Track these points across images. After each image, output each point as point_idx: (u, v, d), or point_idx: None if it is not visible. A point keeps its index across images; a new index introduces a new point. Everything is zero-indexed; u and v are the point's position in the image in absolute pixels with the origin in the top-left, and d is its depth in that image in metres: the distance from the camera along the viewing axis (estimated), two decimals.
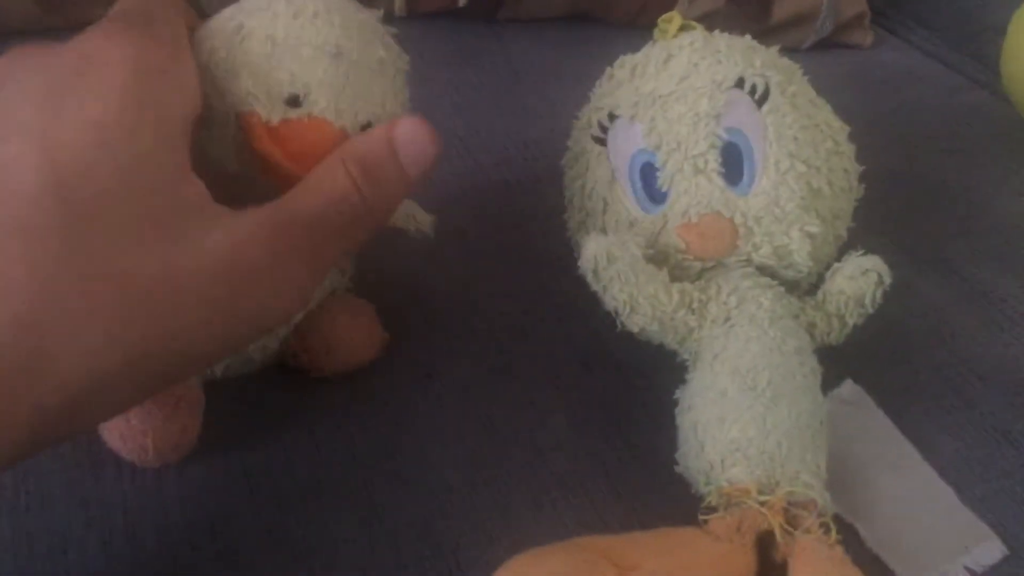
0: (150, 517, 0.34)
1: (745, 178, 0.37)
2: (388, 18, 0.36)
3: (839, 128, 0.40)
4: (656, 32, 0.42)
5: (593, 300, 0.36)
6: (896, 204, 0.49)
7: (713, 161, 0.37)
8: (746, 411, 0.33)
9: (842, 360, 0.37)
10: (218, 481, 0.35)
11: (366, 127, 0.33)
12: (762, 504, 0.31)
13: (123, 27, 0.29)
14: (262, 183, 0.32)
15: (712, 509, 0.32)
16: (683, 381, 0.36)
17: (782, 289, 0.37)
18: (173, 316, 0.27)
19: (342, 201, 0.31)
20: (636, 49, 0.40)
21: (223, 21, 0.32)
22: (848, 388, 0.38)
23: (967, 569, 0.33)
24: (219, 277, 0.28)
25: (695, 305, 0.36)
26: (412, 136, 0.31)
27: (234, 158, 0.32)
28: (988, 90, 0.60)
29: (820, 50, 0.63)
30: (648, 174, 0.38)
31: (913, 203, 0.50)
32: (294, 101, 0.32)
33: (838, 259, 0.38)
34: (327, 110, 0.32)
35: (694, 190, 0.37)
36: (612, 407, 0.38)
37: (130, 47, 0.28)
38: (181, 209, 0.28)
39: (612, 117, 0.39)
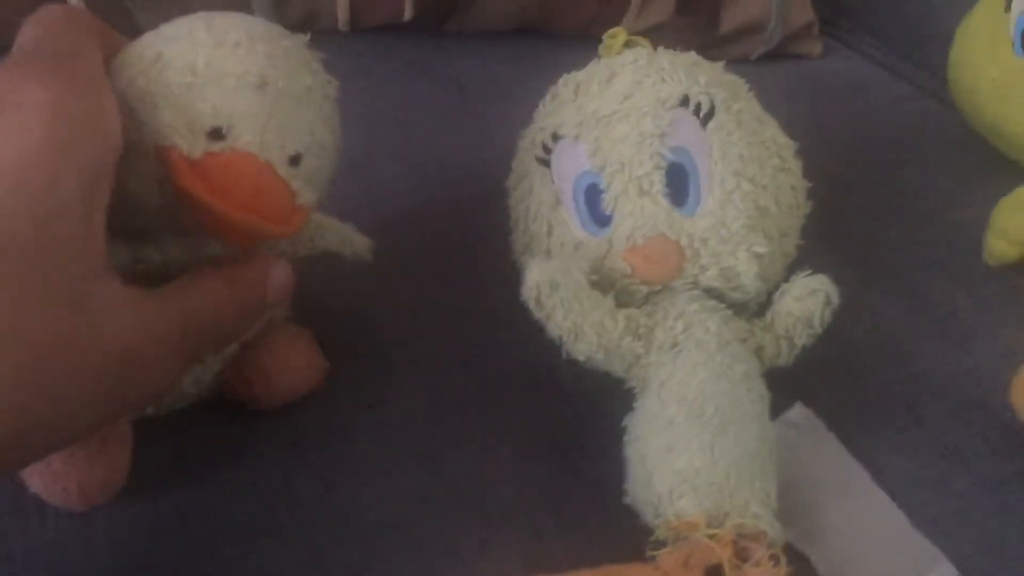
0: (77, 566, 0.32)
1: (691, 199, 0.36)
2: (331, 34, 0.34)
3: (786, 144, 0.39)
4: (601, 48, 0.41)
5: (540, 327, 0.35)
6: (846, 216, 0.48)
7: (658, 182, 0.36)
8: (694, 440, 0.32)
9: (791, 381, 0.36)
10: (149, 523, 0.34)
11: (295, 159, 0.32)
12: (711, 537, 0.31)
13: (39, 65, 0.28)
14: (183, 219, 0.30)
15: (661, 543, 0.31)
16: (631, 408, 0.35)
17: (730, 312, 0.36)
18: (68, 385, 0.26)
19: (224, 311, 0.31)
20: (585, 63, 0.40)
21: (142, 48, 0.31)
22: (797, 411, 0.37)
23: None
24: (114, 359, 0.27)
25: (641, 331, 0.35)
26: (285, 280, 0.33)
27: (156, 193, 0.30)
28: (935, 99, 0.60)
29: (770, 61, 0.63)
30: (593, 196, 0.37)
31: (863, 214, 0.50)
32: (217, 134, 0.30)
33: (786, 278, 0.37)
34: (252, 143, 0.31)
35: (639, 212, 0.36)
36: (560, 436, 0.37)
37: (47, 89, 0.27)
38: (91, 275, 0.27)
39: (556, 137, 0.38)
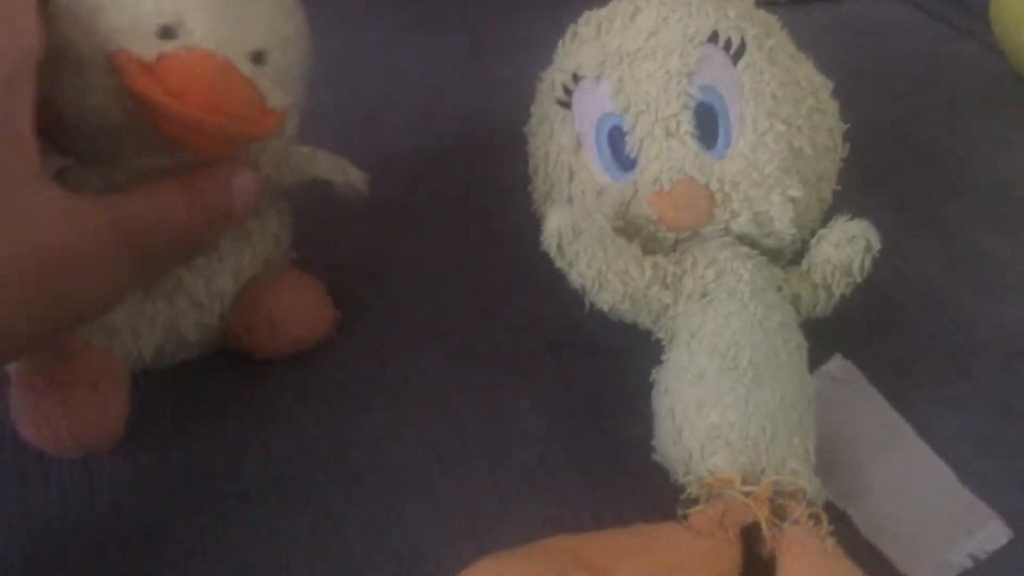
0: (78, 524, 0.31)
1: (721, 140, 0.34)
2: None
3: (821, 84, 0.37)
4: None
5: (561, 278, 0.34)
6: (882, 163, 0.46)
7: (686, 123, 0.34)
8: (727, 393, 0.30)
9: (828, 333, 0.35)
10: (154, 482, 0.32)
11: (258, 55, 0.30)
12: (746, 495, 0.29)
13: None
14: (149, 133, 0.28)
15: (692, 501, 0.30)
16: (658, 363, 0.33)
17: (763, 259, 0.34)
18: None
19: (173, 216, 0.30)
20: (605, 4, 0.37)
21: None
22: (837, 364, 0.35)
23: (970, 555, 0.30)
24: (47, 264, 0.26)
25: (669, 280, 0.33)
26: (250, 187, 0.32)
27: (116, 106, 0.28)
28: (975, 40, 0.57)
29: (798, 4, 0.60)
30: (616, 139, 0.35)
31: (900, 161, 0.47)
32: (168, 32, 0.28)
33: (823, 224, 0.35)
34: (206, 40, 0.28)
35: (666, 155, 0.34)
36: (584, 392, 0.36)
37: None
38: (17, 178, 0.25)
39: (576, 78, 0.36)
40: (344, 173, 0.37)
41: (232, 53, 0.29)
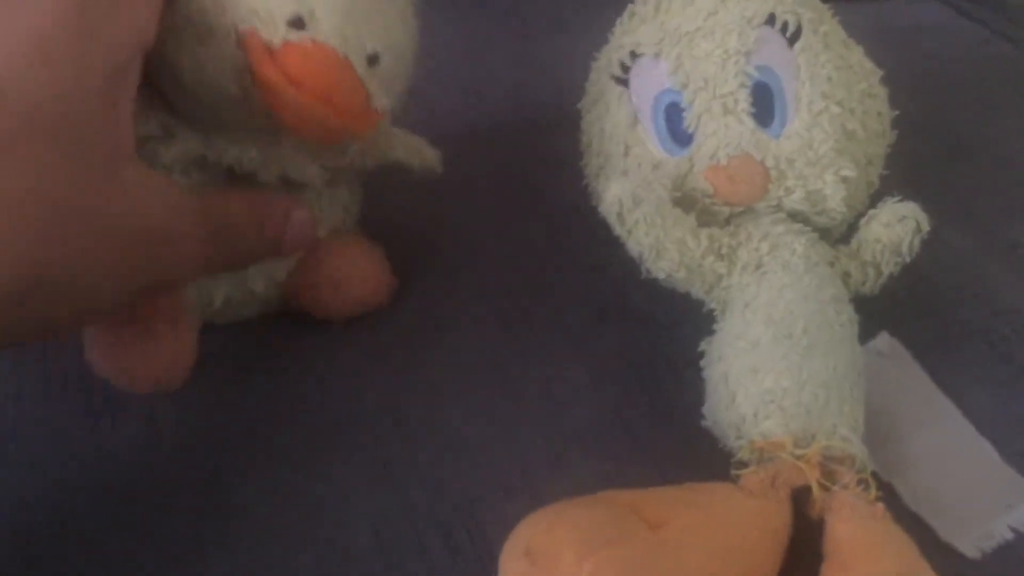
0: (146, 471, 0.32)
1: (776, 119, 0.35)
2: None
3: (872, 70, 0.38)
4: None
5: (610, 250, 0.34)
6: (921, 156, 0.47)
7: (743, 100, 0.35)
8: (780, 360, 0.31)
9: (872, 312, 0.35)
10: (215, 432, 0.33)
11: (373, 58, 0.31)
12: (798, 458, 0.30)
13: None
14: (258, 110, 0.30)
15: (744, 464, 0.30)
16: (706, 333, 0.34)
17: (815, 236, 0.35)
18: (87, 250, 0.26)
19: (241, 230, 0.32)
20: None
21: None
22: (884, 340, 0.36)
23: (1011, 528, 0.31)
24: (136, 231, 0.27)
25: (724, 251, 0.34)
26: (302, 228, 0.34)
27: (232, 80, 0.30)
28: (1013, 44, 0.58)
29: (844, 2, 0.61)
30: (673, 115, 0.36)
31: (939, 156, 0.48)
32: (298, 23, 0.30)
33: (870, 207, 0.36)
34: (332, 36, 0.30)
35: (723, 131, 0.35)
36: (632, 360, 0.36)
37: None
38: (117, 155, 0.27)
39: (634, 56, 0.37)
40: (420, 155, 0.38)
41: (352, 52, 0.30)
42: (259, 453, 0.33)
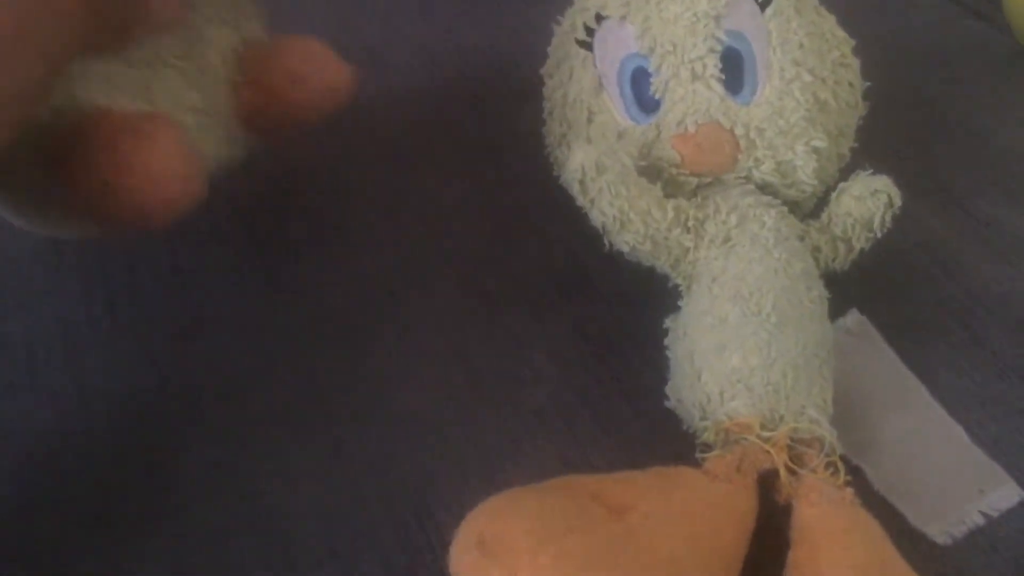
0: (75, 446, 0.30)
1: (746, 87, 0.34)
2: None
3: (844, 39, 0.37)
4: None
5: (572, 224, 0.33)
6: (893, 132, 0.45)
7: (712, 66, 0.33)
8: (749, 338, 0.29)
9: (842, 289, 0.34)
10: (159, 407, 0.31)
11: None
12: (765, 441, 0.28)
13: None
14: None
15: (709, 446, 0.29)
16: (671, 310, 0.33)
17: (785, 209, 0.33)
18: None
19: None
20: None
21: None
22: (853, 318, 0.35)
23: (982, 514, 0.30)
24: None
25: (691, 223, 0.32)
26: None
27: None
28: (985, 21, 0.57)
29: None
30: (640, 80, 0.34)
31: (911, 132, 0.47)
32: None
33: (841, 180, 0.35)
34: None
35: (691, 97, 0.33)
36: (594, 337, 0.35)
37: None
38: None
39: (599, 18, 0.35)
40: None
41: None
42: (197, 430, 0.31)
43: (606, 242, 0.33)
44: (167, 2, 0.30)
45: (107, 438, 0.30)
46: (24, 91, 0.26)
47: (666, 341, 0.32)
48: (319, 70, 0.34)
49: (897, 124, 0.47)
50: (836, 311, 0.34)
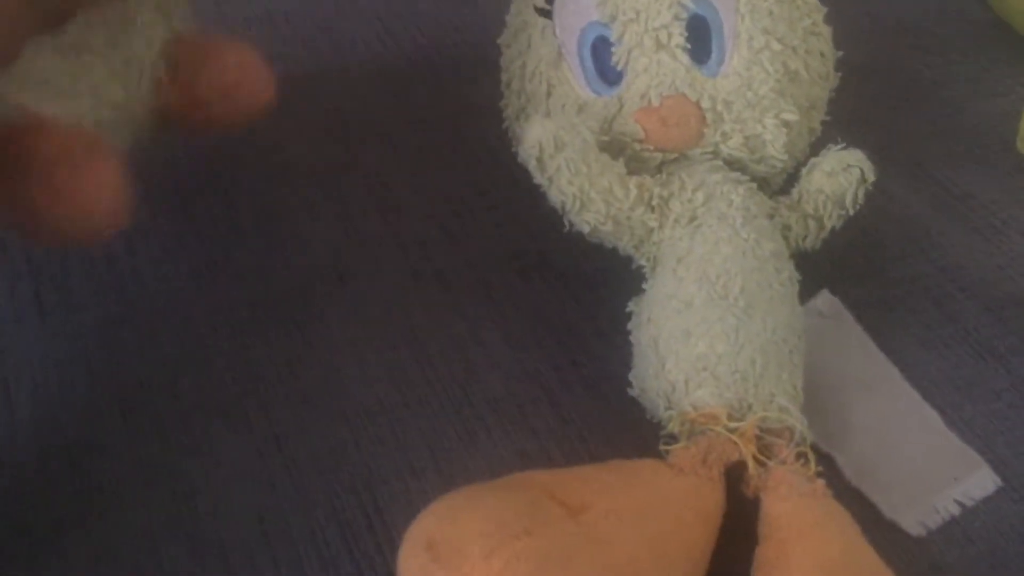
0: None
1: (714, 56, 0.32)
2: None
3: (816, 6, 0.35)
4: None
5: (531, 202, 0.31)
6: (863, 103, 0.44)
7: (678, 35, 0.32)
8: (716, 323, 0.28)
9: (812, 269, 0.33)
10: (86, 402, 0.29)
11: None
12: (732, 431, 0.27)
13: None
14: None
15: (673, 437, 0.28)
16: (635, 292, 0.31)
17: (754, 186, 0.32)
18: None
19: None
20: None
21: None
22: (824, 299, 0.33)
23: (957, 502, 0.29)
24: None
25: (655, 202, 0.31)
26: None
27: None
28: None
29: None
30: (601, 50, 0.32)
31: (882, 101, 0.46)
32: None
33: (812, 156, 0.33)
34: None
35: (655, 68, 0.31)
36: (554, 321, 0.33)
37: None
38: None
39: None
40: None
41: None
42: (124, 425, 0.29)
43: (566, 222, 0.31)
44: None
45: (30, 435, 0.28)
46: None
47: (629, 326, 0.31)
48: (248, 82, 0.32)
49: (867, 93, 0.45)
50: (807, 292, 0.33)
